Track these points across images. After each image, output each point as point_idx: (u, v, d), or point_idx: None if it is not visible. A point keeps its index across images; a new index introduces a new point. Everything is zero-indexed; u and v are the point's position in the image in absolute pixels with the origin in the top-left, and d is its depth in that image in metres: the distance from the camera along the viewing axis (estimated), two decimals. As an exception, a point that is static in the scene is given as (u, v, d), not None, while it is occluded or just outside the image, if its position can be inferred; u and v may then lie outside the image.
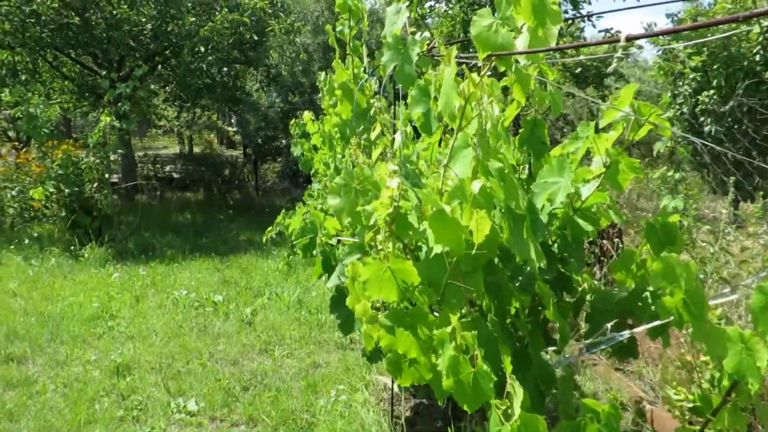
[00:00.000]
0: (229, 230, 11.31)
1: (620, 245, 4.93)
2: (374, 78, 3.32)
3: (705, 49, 6.94)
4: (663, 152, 7.22)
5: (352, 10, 3.26)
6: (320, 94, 4.30)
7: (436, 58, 2.38)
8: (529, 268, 2.02)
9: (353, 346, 5.05)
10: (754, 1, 6.70)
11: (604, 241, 4.97)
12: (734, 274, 3.90)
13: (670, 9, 9.07)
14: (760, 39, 6.64)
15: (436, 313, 1.93)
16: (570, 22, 10.05)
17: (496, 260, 1.96)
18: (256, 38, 12.59)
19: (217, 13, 11.78)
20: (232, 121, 20.53)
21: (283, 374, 4.48)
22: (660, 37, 7.03)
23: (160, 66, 12.99)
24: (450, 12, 11.06)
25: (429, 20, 12.20)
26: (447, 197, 1.73)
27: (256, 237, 10.05)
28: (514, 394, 1.50)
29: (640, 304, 2.11)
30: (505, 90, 2.03)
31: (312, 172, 5.41)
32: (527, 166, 2.39)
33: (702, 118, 7.23)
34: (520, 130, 2.31)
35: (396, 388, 3.82)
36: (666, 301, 1.71)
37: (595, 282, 2.43)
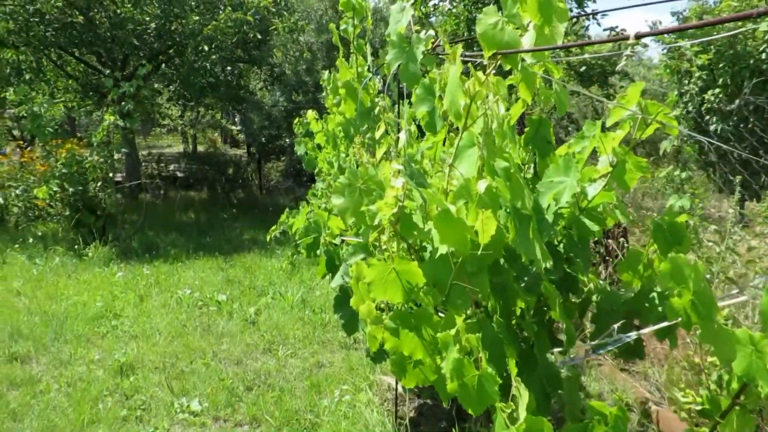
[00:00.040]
0: (233, 229, 11.31)
1: (625, 245, 4.91)
2: (378, 77, 3.30)
3: (711, 47, 6.90)
4: (668, 151, 7.19)
5: (355, 8, 3.24)
6: (324, 93, 4.29)
7: (440, 56, 2.36)
8: (534, 269, 2.00)
9: (357, 345, 5.03)
10: (761, -2, 6.66)
11: (610, 241, 4.94)
12: (741, 274, 3.87)
13: (675, 7, 9.05)
14: (767, 37, 6.60)
15: (441, 314, 1.92)
16: (575, 20, 10.01)
17: (502, 261, 1.95)
18: (259, 37, 12.58)
19: (220, 11, 11.77)
20: (236, 120, 20.55)
21: (286, 374, 4.47)
22: (666, 35, 6.99)
23: (163, 65, 12.99)
24: (454, 10, 11.02)
25: (432, 19, 12.17)
26: (452, 197, 1.71)
27: (260, 236, 10.04)
28: (519, 397, 1.49)
29: (647, 304, 2.09)
30: (509, 88, 2.01)
31: (316, 171, 5.40)
32: (532, 165, 2.37)
33: (708, 117, 7.19)
34: (526, 129, 2.29)
35: (400, 389, 3.80)
36: (674, 302, 1.69)
37: (601, 282, 2.41)
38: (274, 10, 12.70)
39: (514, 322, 2.04)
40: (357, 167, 3.05)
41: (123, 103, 9.89)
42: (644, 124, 1.96)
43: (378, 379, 4.25)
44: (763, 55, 6.68)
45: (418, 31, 2.16)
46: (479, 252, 1.62)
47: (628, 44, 1.29)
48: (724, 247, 4.17)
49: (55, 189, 8.72)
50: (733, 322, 3.48)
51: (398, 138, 2.73)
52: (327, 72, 4.02)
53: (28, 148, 11.83)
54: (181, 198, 14.82)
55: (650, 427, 3.37)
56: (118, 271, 7.55)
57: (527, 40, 1.69)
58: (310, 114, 5.00)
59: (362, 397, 3.95)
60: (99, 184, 9.04)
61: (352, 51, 3.33)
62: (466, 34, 10.04)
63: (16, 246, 8.63)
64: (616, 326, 2.03)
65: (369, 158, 2.93)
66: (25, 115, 8.95)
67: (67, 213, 8.87)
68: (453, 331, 1.61)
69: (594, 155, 2.16)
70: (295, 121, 6.04)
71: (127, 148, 11.53)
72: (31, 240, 8.91)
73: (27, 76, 11.82)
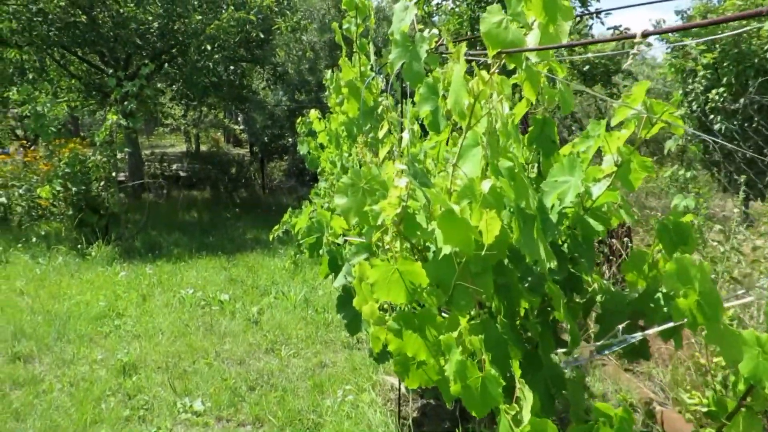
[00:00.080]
0: (236, 229, 11.30)
1: (629, 244, 4.89)
2: (381, 76, 3.29)
3: (716, 46, 6.87)
4: (672, 150, 7.16)
5: (358, 7, 3.23)
6: (327, 93, 4.28)
7: (443, 55, 2.35)
8: (538, 269, 1.98)
9: (360, 345, 5.02)
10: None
11: (614, 240, 4.93)
12: (746, 274, 3.86)
13: (679, 6, 9.01)
14: (772, 36, 6.57)
15: (445, 314, 1.91)
16: (578, 19, 9.98)
17: (506, 261, 1.93)
18: (262, 36, 12.57)
19: (223, 11, 11.77)
20: (239, 119, 20.55)
21: (289, 374, 4.46)
22: (672, 33, 6.96)
23: (166, 64, 13.00)
24: (457, 9, 11.00)
25: (435, 18, 12.15)
26: (456, 197, 1.70)
27: (263, 235, 10.04)
28: (523, 399, 1.47)
29: (651, 305, 2.07)
30: (513, 87, 1.99)
31: (318, 170, 5.39)
32: (536, 164, 2.36)
33: (712, 116, 7.16)
34: (530, 129, 2.28)
35: (403, 389, 3.79)
36: (680, 302, 1.68)
37: (605, 282, 2.40)
38: (276, 9, 12.69)
39: (518, 322, 2.03)
40: (360, 167, 3.04)
41: (126, 102, 9.89)
42: (649, 123, 1.95)
43: (381, 379, 4.24)
44: (768, 54, 6.66)
45: (421, 30, 2.15)
46: (483, 252, 1.61)
47: (635, 42, 1.27)
48: (728, 246, 4.15)
49: (58, 188, 8.73)
50: (738, 323, 3.47)
51: (401, 137, 2.72)
52: (330, 71, 4.01)
53: (32, 148, 11.85)
54: (184, 197, 14.82)
55: (654, 427, 3.35)
56: (121, 270, 7.56)
57: (532, 39, 1.67)
58: (313, 113, 4.99)
59: (365, 398, 3.94)
60: (102, 183, 9.05)
61: (355, 50, 3.32)
62: (469, 34, 10.02)
63: (19, 245, 8.65)
64: (620, 327, 2.02)
65: (372, 158, 2.92)
66: (29, 114, 8.95)
67: (70, 212, 8.87)
68: (455, 333, 1.60)
69: (598, 154, 2.15)
70: (298, 120, 6.03)
71: (130, 147, 11.54)
72: (34, 239, 8.92)
73: (30, 76, 11.84)
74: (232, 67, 13.66)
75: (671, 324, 1.88)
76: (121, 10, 11.37)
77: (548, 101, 2.15)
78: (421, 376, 1.79)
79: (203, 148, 21.99)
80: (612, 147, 2.01)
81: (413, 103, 2.47)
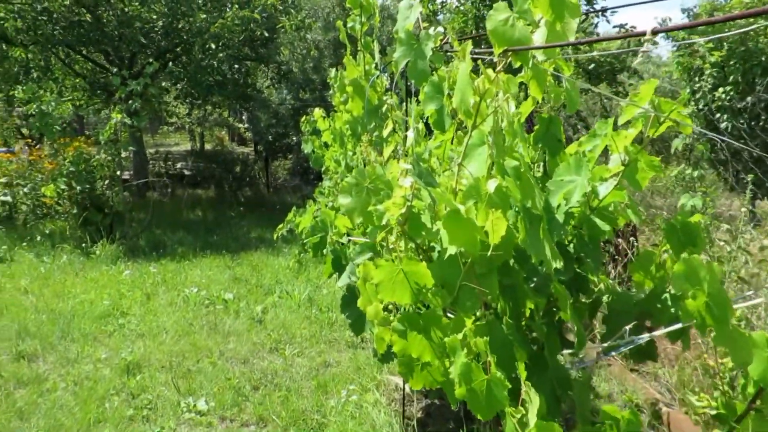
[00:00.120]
0: (240, 227, 11.31)
1: (635, 243, 4.86)
2: (386, 74, 3.27)
3: (724, 44, 6.83)
4: (679, 149, 7.12)
5: (363, 6, 3.21)
6: (331, 91, 4.26)
7: (448, 54, 2.33)
8: (544, 269, 1.97)
9: (364, 345, 5.01)
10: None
11: (620, 240, 4.90)
12: (753, 273, 3.83)
13: (685, 4, 8.96)
14: (779, 34, 6.52)
15: (450, 315, 1.89)
16: (584, 17, 9.93)
17: (512, 261, 1.91)
18: (266, 35, 12.56)
19: (227, 10, 11.77)
20: (243, 118, 20.55)
21: (293, 373, 4.45)
22: (680, 31, 6.93)
23: (171, 63, 12.99)
24: (462, 8, 10.96)
25: (440, 16, 12.11)
26: (461, 197, 1.68)
27: (267, 234, 10.03)
28: (529, 402, 1.45)
29: (659, 306, 2.05)
30: (518, 86, 1.97)
31: (323, 169, 5.38)
32: (542, 164, 2.34)
33: (718, 115, 7.12)
34: (535, 127, 2.25)
35: (407, 389, 3.77)
36: (688, 304, 1.66)
37: (611, 282, 2.38)
38: (281, 7, 12.69)
39: (523, 323, 2.01)
40: (364, 166, 3.03)
41: (130, 101, 9.90)
42: (657, 122, 1.92)
43: (385, 379, 4.23)
44: (775, 52, 6.62)
45: (426, 28, 2.13)
46: (489, 253, 1.59)
47: (644, 40, 1.25)
48: (735, 246, 4.12)
49: (63, 187, 8.74)
50: (746, 323, 3.44)
51: (406, 136, 2.70)
52: (334, 70, 4.00)
53: (37, 146, 11.86)
54: (188, 196, 14.84)
55: (661, 429, 3.32)
56: (125, 269, 7.56)
57: (538, 37, 1.66)
58: (317, 112, 4.98)
59: (369, 398, 3.93)
60: (106, 182, 9.06)
61: (359, 48, 3.31)
62: (473, 32, 9.99)
63: (24, 244, 8.66)
64: (627, 328, 2.00)
65: (376, 157, 2.90)
66: (34, 113, 8.97)
67: (75, 211, 8.88)
68: (461, 335, 1.58)
69: (603, 154, 2.13)
70: (303, 119, 6.02)
71: (134, 146, 11.56)
72: (39, 238, 8.93)
73: (35, 75, 11.86)
74: (236, 66, 13.66)
75: (679, 325, 1.86)
76: (126, 9, 11.38)
77: (554, 100, 2.13)
78: (425, 378, 1.77)
79: (208, 146, 22.01)
80: (619, 146, 1.99)
81: (418, 101, 2.45)
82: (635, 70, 9.93)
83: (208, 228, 11.04)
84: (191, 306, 6.04)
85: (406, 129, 2.80)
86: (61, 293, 6.36)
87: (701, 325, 1.65)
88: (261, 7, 11.96)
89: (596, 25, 11.11)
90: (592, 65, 9.61)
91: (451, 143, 2.45)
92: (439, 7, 11.32)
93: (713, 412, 1.81)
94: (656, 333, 1.99)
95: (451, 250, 1.65)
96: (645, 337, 1.99)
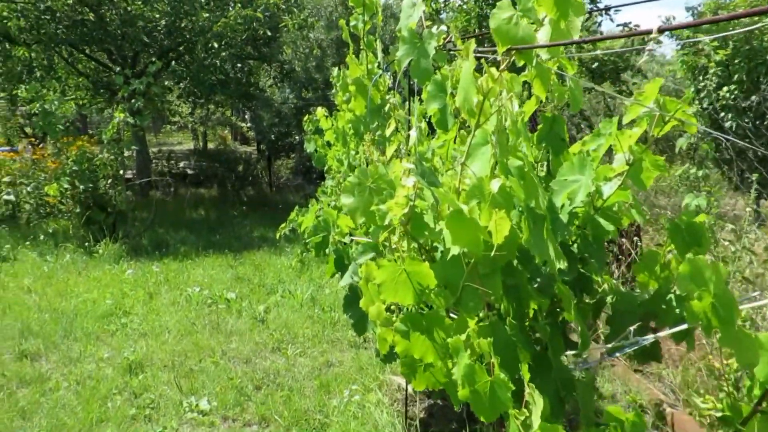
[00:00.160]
0: (243, 227, 11.31)
1: (639, 243, 4.84)
2: (388, 73, 3.26)
3: (729, 43, 6.79)
4: (683, 149, 7.09)
5: (366, 4, 3.20)
6: (334, 90, 4.25)
7: (451, 52, 2.32)
8: (548, 269, 1.95)
9: (367, 344, 5.00)
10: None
11: (623, 239, 4.88)
12: (758, 274, 3.80)
13: (689, 2, 8.92)
14: (784, 32, 6.49)
15: (453, 316, 1.87)
16: (587, 16, 9.89)
17: (515, 262, 1.90)
18: (269, 34, 12.55)
19: (230, 8, 11.76)
20: (246, 117, 20.54)
21: (295, 373, 4.44)
22: (684, 30, 6.89)
23: (174, 62, 13.00)
24: (465, 7, 10.94)
25: (443, 15, 12.09)
26: (464, 197, 1.66)
27: (270, 233, 10.03)
28: (533, 404, 1.44)
29: (663, 306, 2.03)
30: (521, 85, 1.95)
31: (325, 168, 5.37)
32: (545, 163, 2.32)
33: (723, 114, 7.09)
34: (539, 126, 2.24)
35: (410, 389, 3.76)
36: (694, 305, 1.64)
37: (614, 282, 2.36)
38: (283, 6, 12.68)
39: (527, 324, 1.99)
40: (367, 165, 3.01)
41: (133, 100, 9.90)
42: (662, 121, 1.91)
43: (388, 379, 4.22)
44: (780, 51, 6.58)
45: (429, 27, 2.12)
46: (492, 253, 1.58)
47: (651, 38, 1.24)
48: (740, 246, 4.10)
49: (66, 186, 8.74)
50: (751, 324, 3.42)
51: (409, 135, 2.68)
52: (337, 69, 3.99)
53: (40, 146, 11.88)
54: (191, 195, 14.84)
55: (665, 429, 3.31)
56: (127, 268, 7.56)
57: (542, 35, 1.64)
58: (320, 111, 4.97)
59: (372, 398, 3.92)
60: (109, 181, 9.06)
61: (362, 47, 3.30)
62: (477, 31, 9.97)
63: (27, 243, 8.67)
64: (632, 328, 1.98)
65: (379, 156, 2.89)
66: (37, 112, 8.97)
67: (78, 210, 8.89)
68: (464, 336, 1.57)
69: (606, 153, 2.11)
70: (305, 118, 6.01)
71: (137, 145, 11.56)
72: (42, 237, 8.94)
73: (38, 74, 11.86)
74: (239, 65, 13.66)
75: (684, 326, 1.85)
76: (129, 8, 11.38)
77: (558, 99, 2.11)
78: (428, 379, 1.76)
79: (211, 145, 22.01)
80: (624, 145, 1.97)
81: (421, 100, 2.44)
82: (639, 69, 9.90)
83: (210, 227, 11.04)
84: (194, 305, 6.04)
85: (409, 128, 2.78)
86: (63, 292, 6.37)
87: (707, 326, 1.63)
88: (264, 5, 11.96)
89: (600, 24, 11.07)
90: (596, 64, 9.58)
91: (454, 142, 2.43)
92: (442, 5, 11.31)
93: (719, 414, 1.79)
94: (661, 334, 1.97)
95: (454, 250, 1.64)
96: (650, 338, 1.98)
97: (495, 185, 1.59)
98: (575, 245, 2.15)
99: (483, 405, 1.48)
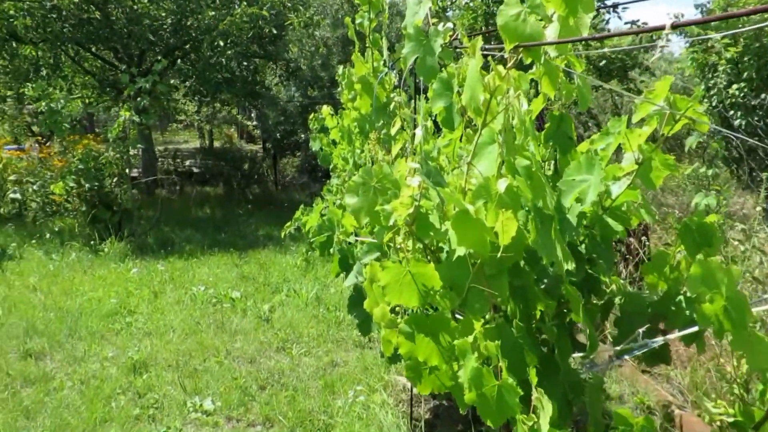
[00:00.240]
0: (248, 225, 11.29)
1: (647, 243, 4.79)
2: (394, 71, 3.23)
3: (740, 40, 6.72)
4: (693, 147, 7.03)
5: (372, 2, 3.17)
6: (339, 89, 4.23)
7: (458, 50, 2.28)
8: (555, 270, 1.92)
9: (372, 344, 4.97)
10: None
11: (631, 239, 4.83)
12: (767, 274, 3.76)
13: (697, 0, 8.82)
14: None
15: (459, 316, 1.84)
16: (595, 13, 9.79)
17: (522, 263, 1.87)
18: (275, 32, 12.53)
19: (236, 7, 11.75)
20: (252, 115, 20.54)
21: (300, 373, 4.42)
22: (694, 27, 6.83)
23: (179, 60, 13.01)
24: (471, 4, 10.88)
25: (450, 13, 12.04)
26: (471, 196, 1.64)
27: (275, 232, 10.00)
28: (541, 409, 1.41)
29: (673, 308, 2.00)
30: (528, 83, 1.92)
31: (331, 167, 5.35)
32: (552, 162, 2.29)
33: (732, 112, 7.02)
34: (546, 125, 2.20)
35: (415, 390, 3.73)
36: (705, 308, 1.60)
37: (622, 282, 2.33)
38: (289, 4, 12.66)
39: (534, 326, 1.96)
40: (372, 164, 2.99)
41: (139, 98, 9.90)
42: (672, 119, 1.87)
43: (393, 380, 4.19)
44: (790, 49, 6.51)
45: (435, 24, 2.09)
46: (499, 254, 1.55)
47: (664, 34, 1.20)
48: (749, 246, 4.05)
49: (72, 185, 8.75)
50: (761, 326, 3.37)
51: (414, 134, 2.65)
52: (342, 67, 3.96)
53: (47, 144, 11.91)
54: (196, 194, 14.85)
55: (673, 431, 3.27)
56: (133, 267, 7.56)
57: (551, 32, 1.61)
58: (326, 109, 4.95)
59: (376, 398, 3.89)
60: (115, 179, 9.07)
61: (367, 45, 3.27)
62: (483, 29, 9.91)
63: (33, 241, 8.69)
64: (641, 330, 1.94)
65: (384, 155, 2.86)
66: (43, 110, 8.98)
67: (84, 209, 8.90)
68: (471, 338, 1.54)
69: (614, 152, 2.08)
70: (311, 116, 5.99)
71: (143, 143, 11.57)
72: (48, 235, 8.96)
73: (45, 72, 11.88)
74: (244, 63, 13.65)
75: (695, 328, 1.81)
76: (135, 7, 11.39)
77: (566, 97, 2.08)
78: (433, 382, 1.73)
79: (216, 144, 22.02)
80: (633, 144, 1.94)
81: (427, 99, 2.41)
82: (647, 67, 9.83)
83: (216, 226, 11.03)
84: (198, 304, 6.03)
85: (415, 127, 2.75)
86: (69, 291, 6.37)
87: (719, 329, 1.60)
88: (269, 4, 11.94)
89: (607, 22, 10.98)
90: (603, 62, 9.51)
91: (461, 141, 2.40)
92: (449, 3, 11.26)
93: (731, 420, 1.76)
94: (670, 336, 1.94)
95: (460, 251, 1.61)
96: (659, 340, 1.94)
97: (502, 185, 1.56)
98: (583, 246, 2.12)
99: (490, 409, 1.45)
